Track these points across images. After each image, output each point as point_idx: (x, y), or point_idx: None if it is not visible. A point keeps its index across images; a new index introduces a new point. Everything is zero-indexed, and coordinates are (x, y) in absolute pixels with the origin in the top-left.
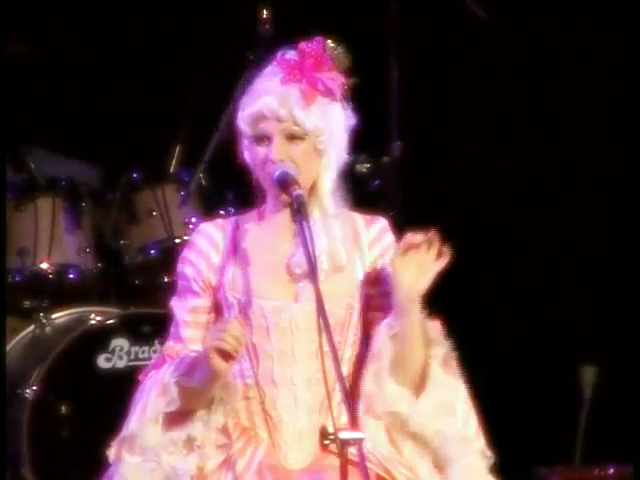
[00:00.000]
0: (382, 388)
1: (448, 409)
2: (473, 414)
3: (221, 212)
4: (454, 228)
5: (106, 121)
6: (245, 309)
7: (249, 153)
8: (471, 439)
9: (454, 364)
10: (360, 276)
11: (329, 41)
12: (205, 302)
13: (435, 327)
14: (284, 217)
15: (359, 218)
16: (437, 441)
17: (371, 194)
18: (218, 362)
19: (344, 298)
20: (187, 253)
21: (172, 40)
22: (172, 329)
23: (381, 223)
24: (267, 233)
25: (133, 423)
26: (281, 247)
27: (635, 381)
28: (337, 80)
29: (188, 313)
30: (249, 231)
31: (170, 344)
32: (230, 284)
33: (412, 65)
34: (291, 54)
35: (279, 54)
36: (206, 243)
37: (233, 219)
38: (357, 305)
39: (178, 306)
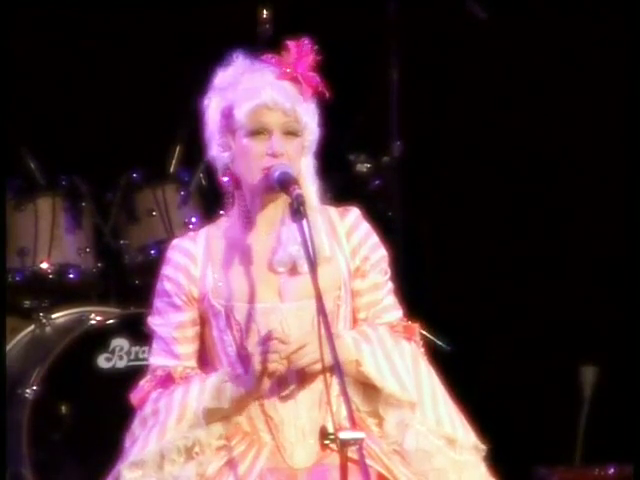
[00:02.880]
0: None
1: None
2: (455, 415)
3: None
4: (454, 228)
5: (106, 121)
6: (234, 314)
7: (239, 147)
8: (457, 438)
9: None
10: (344, 267)
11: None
12: (189, 315)
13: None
14: (263, 216)
15: (332, 210)
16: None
17: (371, 194)
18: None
19: (331, 291)
20: (164, 270)
21: (172, 40)
22: (160, 345)
23: (355, 213)
24: (244, 234)
25: (152, 446)
26: (260, 246)
27: (635, 381)
28: (322, 83)
29: (175, 329)
30: (225, 236)
31: (164, 361)
32: (214, 292)
33: (412, 65)
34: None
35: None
36: (182, 257)
37: (205, 229)
38: (345, 296)
39: (161, 324)
